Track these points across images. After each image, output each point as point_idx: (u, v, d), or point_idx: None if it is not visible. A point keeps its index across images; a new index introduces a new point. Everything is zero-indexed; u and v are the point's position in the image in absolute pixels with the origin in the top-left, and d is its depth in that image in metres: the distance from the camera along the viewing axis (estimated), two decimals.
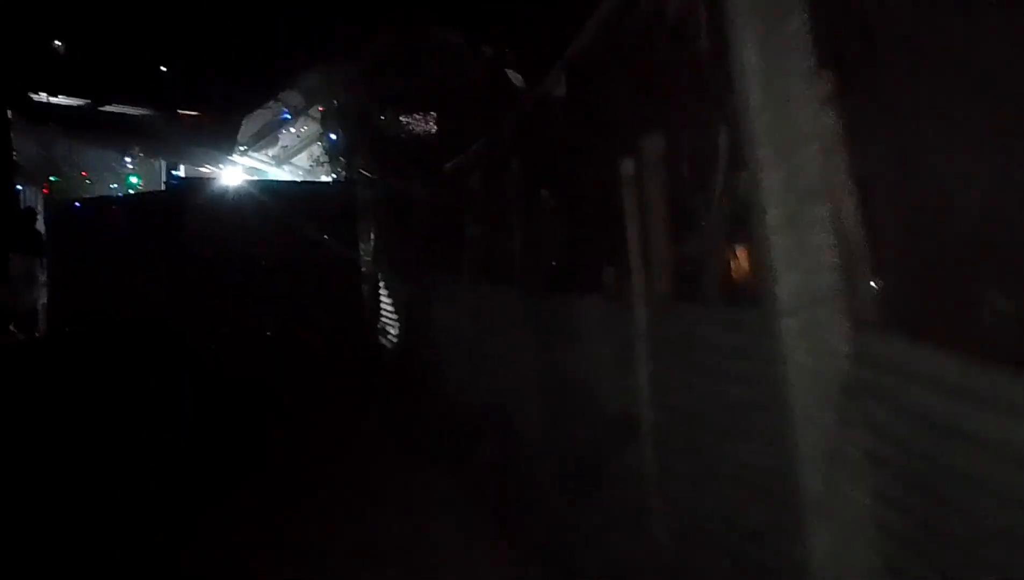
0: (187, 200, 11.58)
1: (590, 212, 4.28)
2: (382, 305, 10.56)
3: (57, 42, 14.22)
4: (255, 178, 13.51)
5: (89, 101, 14.56)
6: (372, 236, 10.76)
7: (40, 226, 12.96)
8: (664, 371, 2.86)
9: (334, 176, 11.80)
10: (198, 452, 5.69)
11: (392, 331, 10.19)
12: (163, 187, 11.84)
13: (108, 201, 12.44)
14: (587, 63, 4.14)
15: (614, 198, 3.19)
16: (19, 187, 13.04)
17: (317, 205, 11.24)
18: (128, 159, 13.76)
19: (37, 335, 12.77)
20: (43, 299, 12.96)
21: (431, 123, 10.63)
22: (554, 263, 4.85)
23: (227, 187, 11.98)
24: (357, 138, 11.27)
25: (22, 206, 13.37)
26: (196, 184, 12.29)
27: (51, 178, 12.58)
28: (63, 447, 6.05)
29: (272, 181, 13.24)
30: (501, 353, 5.28)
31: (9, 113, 13.41)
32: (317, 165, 12.32)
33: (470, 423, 5.53)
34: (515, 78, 9.84)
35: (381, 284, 10.56)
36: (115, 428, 6.49)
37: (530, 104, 5.71)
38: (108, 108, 14.53)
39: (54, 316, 12.70)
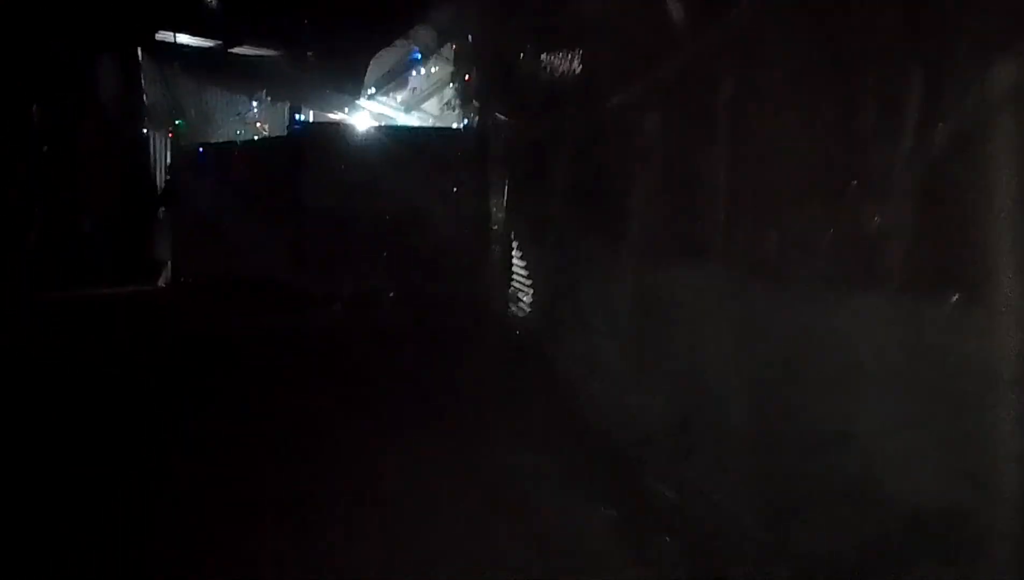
0: (310, 146, 10.66)
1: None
2: (515, 270, 9.27)
3: None
4: (381, 124, 12.46)
5: (219, 42, 13.87)
6: (507, 189, 9.43)
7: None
8: None
9: (466, 122, 10.49)
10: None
11: (526, 301, 8.90)
12: (286, 132, 10.92)
13: (230, 146, 11.72)
14: None
15: None
16: (144, 131, 12.58)
17: (447, 153, 10.04)
18: (254, 103, 13.00)
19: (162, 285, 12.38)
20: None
21: (577, 60, 8.94)
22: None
23: (352, 133, 10.95)
24: (493, 78, 9.88)
25: (151, 152, 12.94)
26: (319, 129, 11.36)
27: (176, 122, 11.96)
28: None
29: (399, 127, 12.14)
30: (694, 349, 3.85)
31: (139, 53, 12.94)
32: (448, 109, 11.06)
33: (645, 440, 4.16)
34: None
35: (515, 246, 9.26)
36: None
37: None
38: (237, 50, 13.80)
39: (177, 267, 12.23)
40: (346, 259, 10.43)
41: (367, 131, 11.33)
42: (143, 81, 12.91)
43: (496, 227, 9.74)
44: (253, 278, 11.16)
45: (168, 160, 12.43)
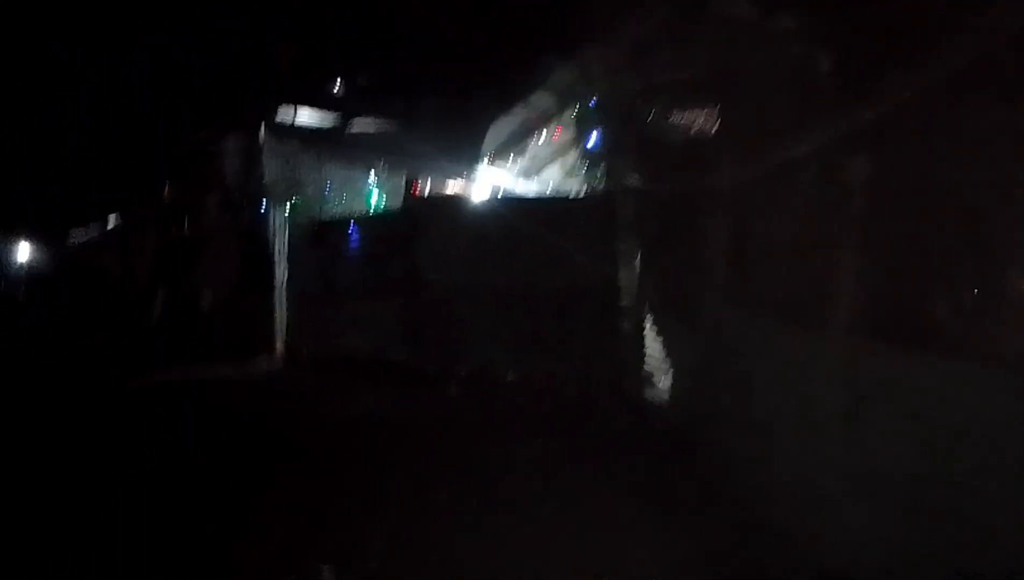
0: (427, 219, 10.16)
1: None
2: (649, 349, 8.29)
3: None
4: (501, 193, 11.90)
5: (338, 115, 13.88)
6: (639, 260, 8.54)
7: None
8: None
9: (591, 187, 9.75)
10: None
11: (663, 385, 7.88)
12: (403, 204, 10.49)
13: (346, 221, 11.41)
14: None
15: None
16: (263, 208, 12.53)
17: (571, 222, 9.28)
18: (373, 174, 12.77)
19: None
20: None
21: (713, 117, 7.97)
22: None
23: (470, 204, 10.41)
24: (620, 138, 9.13)
25: (270, 227, 12.86)
26: (437, 202, 10.90)
27: (294, 199, 11.83)
28: None
29: (519, 196, 11.52)
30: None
31: (262, 130, 13.03)
32: (570, 176, 10.35)
33: None
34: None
35: (650, 322, 8.30)
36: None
37: None
38: (355, 124, 13.75)
39: (294, 344, 11.92)
40: (463, 338, 9.75)
41: (486, 201, 10.76)
42: (264, 158, 12.95)
43: (627, 302, 8.83)
44: (370, 354, 10.66)
45: (287, 237, 12.27)
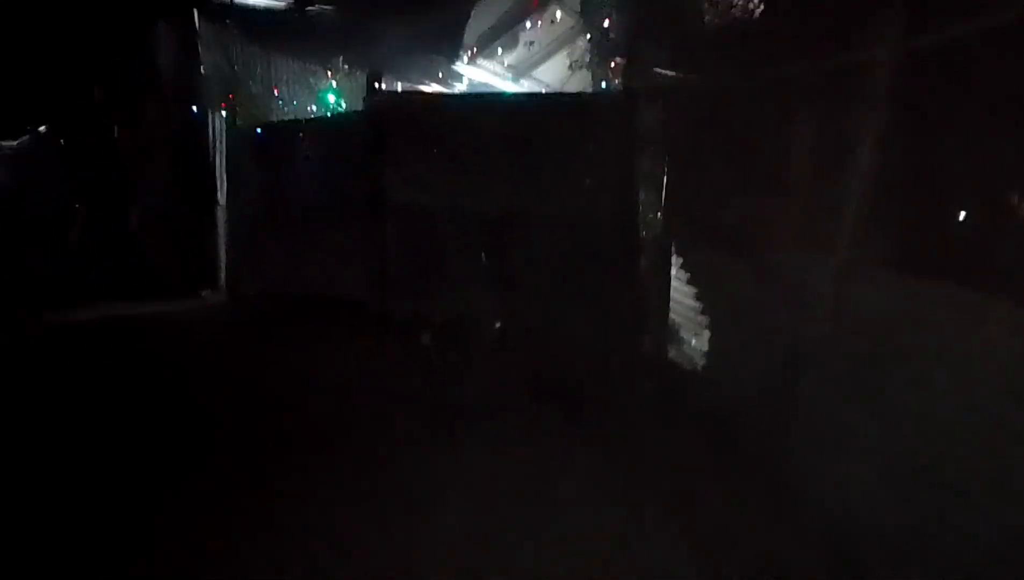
0: (394, 123, 8.02)
1: None
2: (677, 297, 6.42)
3: None
4: (484, 92, 9.73)
5: (291, 1, 11.47)
6: (667, 178, 6.57)
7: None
8: None
9: (601, 85, 7.64)
10: None
11: (698, 344, 6.06)
12: (363, 106, 8.33)
13: (295, 126, 9.25)
14: None
15: None
16: (198, 109, 10.28)
17: (576, 129, 7.21)
18: (329, 72, 10.50)
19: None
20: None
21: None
22: None
23: (447, 104, 8.23)
24: (645, 23, 7.01)
25: (209, 135, 10.63)
26: (406, 101, 8.69)
27: (229, 96, 9.58)
28: None
29: (509, 94, 9.36)
30: None
31: (196, 16, 10.64)
32: (573, 70, 8.21)
33: None
34: None
35: (679, 262, 6.41)
36: None
37: None
38: (312, 8, 11.35)
39: (232, 278, 9.90)
40: (439, 273, 7.80)
41: (467, 100, 8.62)
42: (200, 50, 10.61)
43: (647, 233, 6.88)
44: (322, 294, 8.70)
45: (223, 144, 10.08)
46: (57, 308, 8.98)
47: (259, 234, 9.48)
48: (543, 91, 9.09)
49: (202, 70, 10.66)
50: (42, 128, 17.76)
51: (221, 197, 10.34)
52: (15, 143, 18.48)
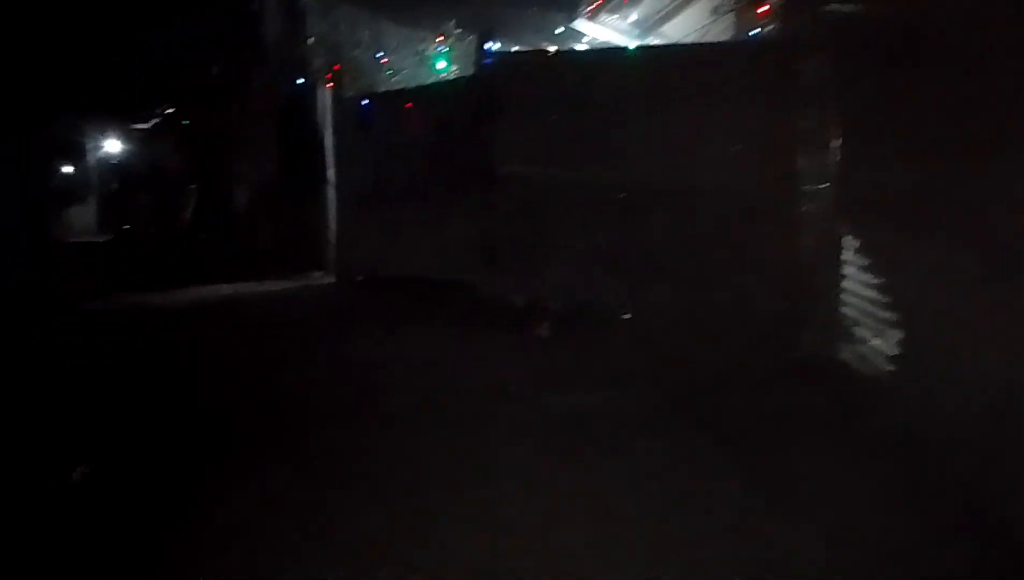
0: (509, 88, 7.15)
1: None
2: (853, 284, 5.25)
3: None
4: (610, 47, 8.69)
5: None
6: (841, 141, 5.37)
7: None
8: None
9: (756, 31, 6.47)
10: None
11: (884, 343, 4.89)
12: (475, 70, 7.49)
13: (403, 95, 8.54)
14: None
15: None
16: (304, 81, 9.77)
17: (721, 85, 6.10)
18: (441, 38, 9.74)
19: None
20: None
21: None
22: None
23: (568, 62, 7.23)
24: None
25: (317, 109, 10.12)
26: (522, 61, 7.78)
27: (333, 67, 8.97)
28: None
29: (639, 48, 8.27)
30: None
31: None
32: (719, 15, 7.06)
33: None
34: None
35: (855, 241, 5.23)
36: None
37: None
38: None
39: (340, 261, 9.37)
40: (560, 254, 6.89)
41: (594, 57, 7.63)
42: (305, 16, 10.10)
43: (810, 208, 5.70)
44: (432, 277, 8.00)
45: (331, 117, 9.52)
46: (167, 288, 8.71)
47: (367, 213, 8.88)
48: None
49: (308, 39, 10.16)
50: (171, 110, 18.02)
51: (330, 174, 9.82)
52: (148, 125, 18.91)
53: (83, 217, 16.12)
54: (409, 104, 8.45)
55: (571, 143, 6.66)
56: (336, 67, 9.32)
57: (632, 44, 9.16)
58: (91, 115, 17.21)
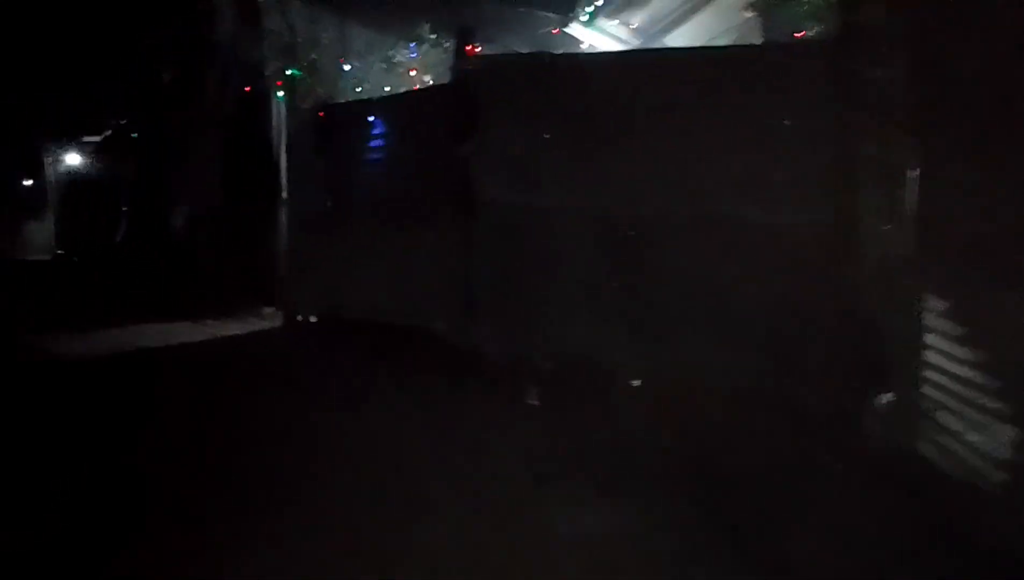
0: (491, 95, 5.93)
1: None
2: (938, 360, 4.07)
3: None
4: (618, 49, 7.54)
5: None
6: (920, 173, 4.20)
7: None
8: None
9: (793, 35, 5.33)
10: None
11: (979, 440, 3.73)
12: (452, 76, 6.27)
13: (366, 106, 7.31)
14: None
15: None
16: (255, 88, 8.49)
17: (753, 95, 4.93)
18: (412, 45, 8.53)
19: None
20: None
21: None
22: None
23: (562, 67, 5.99)
24: None
25: (270, 117, 8.83)
26: (507, 65, 6.55)
27: (287, 72, 7.71)
28: None
29: (651, 50, 7.13)
30: None
31: None
32: (751, 11, 5.90)
33: None
34: None
35: (943, 304, 4.07)
36: None
37: None
38: None
39: (288, 298, 8.06)
40: (553, 298, 5.64)
41: (594, 61, 6.44)
42: (260, 15, 8.86)
43: (882, 257, 4.48)
44: (397, 322, 6.72)
45: (286, 127, 8.25)
46: (76, 331, 7.30)
47: (324, 241, 7.60)
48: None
49: (262, 40, 8.91)
50: (123, 121, 16.66)
51: (284, 192, 8.54)
52: (99, 138, 17.55)
53: (42, 234, 15.28)
54: (375, 115, 7.21)
55: (568, 163, 5.44)
56: (292, 72, 8.05)
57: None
58: (47, 126, 15.91)
